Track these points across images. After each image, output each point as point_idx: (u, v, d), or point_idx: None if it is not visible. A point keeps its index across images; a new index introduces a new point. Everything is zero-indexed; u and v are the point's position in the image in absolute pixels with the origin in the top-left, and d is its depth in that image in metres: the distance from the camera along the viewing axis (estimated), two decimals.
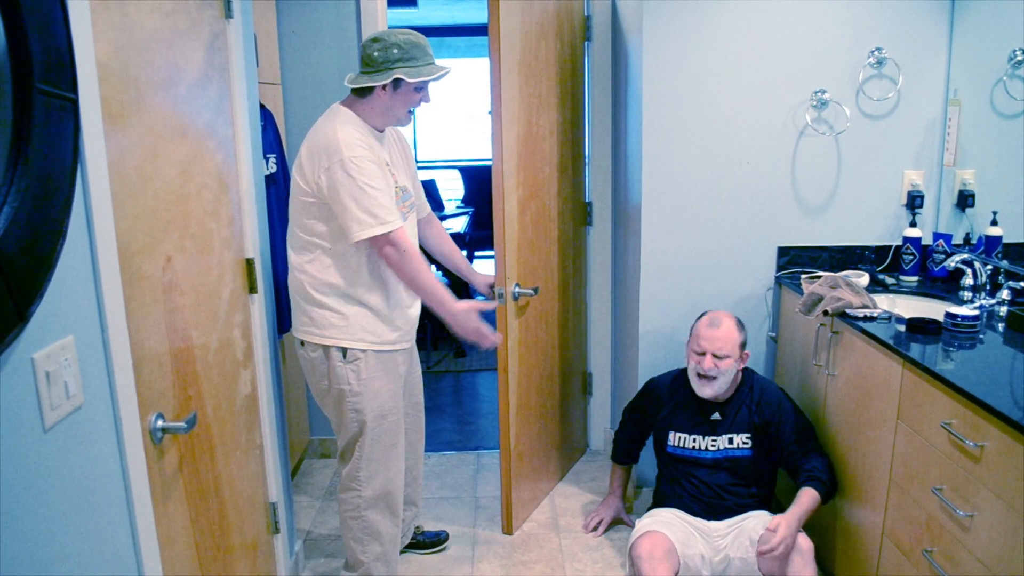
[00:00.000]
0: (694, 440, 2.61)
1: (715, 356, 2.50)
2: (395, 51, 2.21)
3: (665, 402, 2.71)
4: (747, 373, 2.64)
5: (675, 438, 2.64)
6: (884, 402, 2.15)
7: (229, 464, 2.02)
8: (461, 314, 2.34)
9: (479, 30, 8.39)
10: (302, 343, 2.39)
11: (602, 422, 3.69)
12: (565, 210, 3.28)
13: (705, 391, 2.54)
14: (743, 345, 2.56)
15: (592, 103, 3.42)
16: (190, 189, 1.82)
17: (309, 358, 2.38)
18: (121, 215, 1.46)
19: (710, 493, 2.57)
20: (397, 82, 2.24)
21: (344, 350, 2.30)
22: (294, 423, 3.33)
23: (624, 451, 2.97)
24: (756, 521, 2.47)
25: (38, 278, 1.13)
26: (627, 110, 3.16)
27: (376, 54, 2.21)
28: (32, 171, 1.11)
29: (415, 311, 2.49)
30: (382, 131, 2.36)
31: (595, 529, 2.99)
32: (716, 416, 2.59)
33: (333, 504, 3.25)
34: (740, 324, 2.58)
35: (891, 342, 2.13)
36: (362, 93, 2.28)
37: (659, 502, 2.69)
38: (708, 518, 2.56)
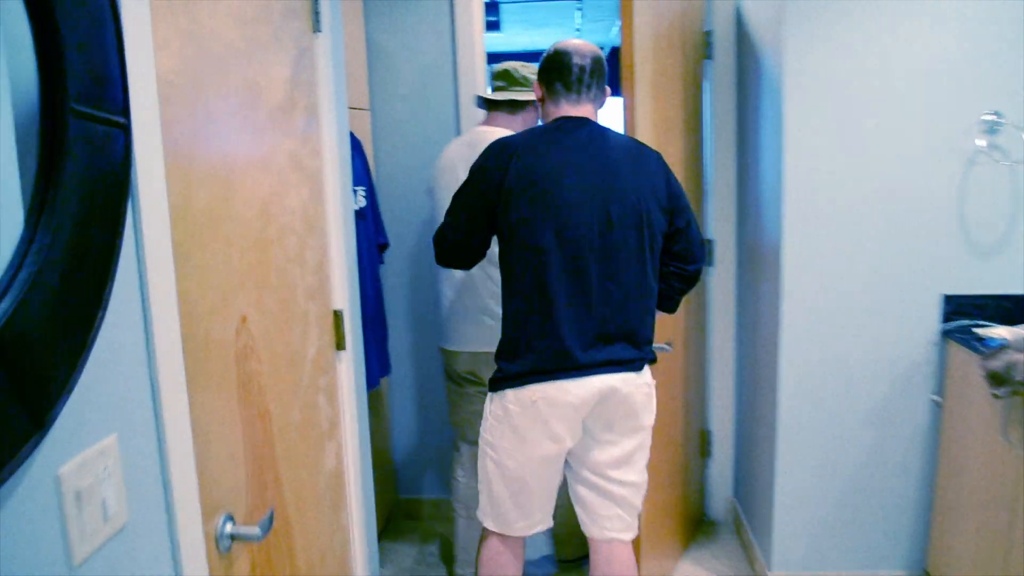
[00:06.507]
0: None
1: None
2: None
3: None
4: None
5: None
6: None
7: (311, 560, 1.69)
8: None
9: None
10: None
11: (724, 489, 3.26)
12: None
13: None
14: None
15: (714, 128, 3.05)
16: (271, 232, 1.52)
17: None
18: (185, 270, 1.15)
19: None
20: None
21: None
22: (380, 484, 3.01)
23: None
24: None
25: (65, 367, 0.83)
26: (758, 136, 2.77)
27: (529, 75, 2.53)
28: (60, 221, 0.81)
29: None
30: None
31: None
32: None
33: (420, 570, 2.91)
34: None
35: None
36: (513, 109, 2.54)
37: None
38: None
